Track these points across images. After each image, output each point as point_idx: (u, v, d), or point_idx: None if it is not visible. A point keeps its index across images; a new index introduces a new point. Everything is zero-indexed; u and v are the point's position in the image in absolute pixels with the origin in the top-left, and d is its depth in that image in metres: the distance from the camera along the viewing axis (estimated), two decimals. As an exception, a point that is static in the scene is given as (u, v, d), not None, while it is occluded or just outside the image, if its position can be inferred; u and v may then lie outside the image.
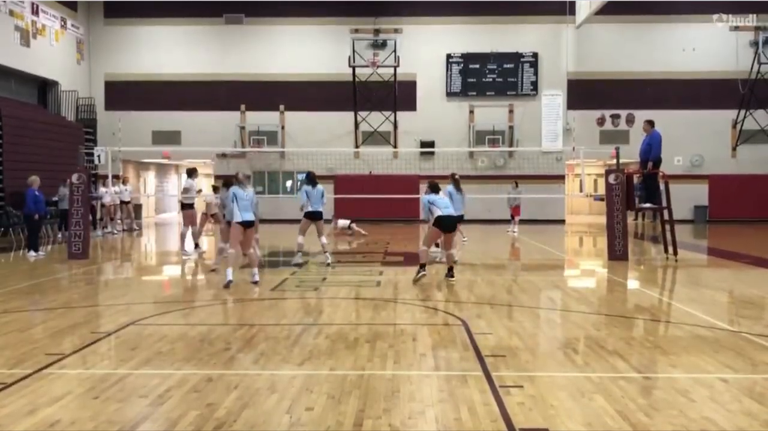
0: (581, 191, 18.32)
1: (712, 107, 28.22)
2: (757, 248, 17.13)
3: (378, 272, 12.43)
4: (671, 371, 5.82)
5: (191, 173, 15.66)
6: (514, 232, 21.57)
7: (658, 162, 13.98)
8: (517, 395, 5.08)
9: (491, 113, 28.57)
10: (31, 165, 19.27)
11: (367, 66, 27.76)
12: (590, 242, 20.61)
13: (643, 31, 28.62)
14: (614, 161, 15.26)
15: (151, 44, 28.87)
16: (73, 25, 27.26)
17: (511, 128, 28.50)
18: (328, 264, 12.80)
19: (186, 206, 15.39)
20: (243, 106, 28.60)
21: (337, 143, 28.22)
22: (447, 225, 10.95)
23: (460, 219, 12.66)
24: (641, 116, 26.87)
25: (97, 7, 28.83)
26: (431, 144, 28.13)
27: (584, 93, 28.38)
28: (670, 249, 14.05)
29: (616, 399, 4.97)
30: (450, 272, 11.12)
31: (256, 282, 10.49)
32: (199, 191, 15.89)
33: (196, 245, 15.57)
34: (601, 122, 28.72)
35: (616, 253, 13.81)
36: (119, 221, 22.27)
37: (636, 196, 14.81)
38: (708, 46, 28.31)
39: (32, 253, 14.59)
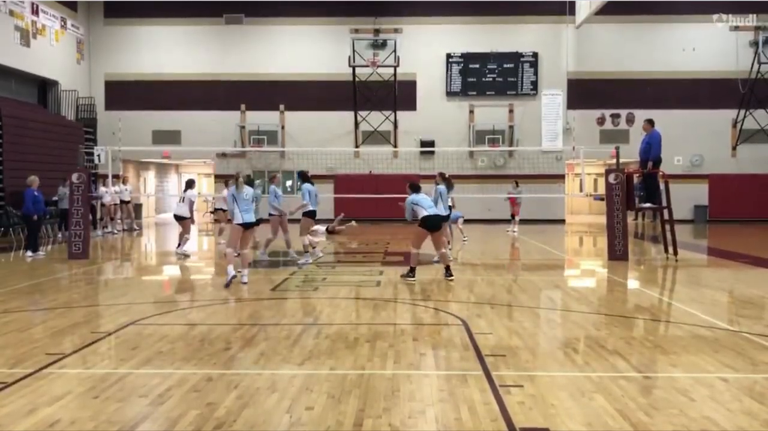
0: (581, 190, 18.28)
1: (712, 107, 28.23)
2: (757, 248, 17.13)
3: (378, 272, 12.43)
4: (671, 370, 5.82)
5: (191, 184, 15.49)
6: (514, 232, 21.57)
7: (658, 162, 13.98)
8: (517, 394, 5.08)
9: (491, 113, 28.58)
10: (31, 165, 19.28)
11: (367, 66, 27.76)
12: (590, 242, 20.61)
13: (643, 30, 28.62)
14: (614, 161, 15.25)
15: (151, 44, 28.87)
16: (73, 25, 27.26)
17: (511, 127, 28.51)
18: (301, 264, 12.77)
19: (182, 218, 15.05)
20: (243, 106, 28.60)
21: (337, 142, 28.22)
22: (433, 225, 10.92)
23: (446, 218, 12.65)
24: (641, 115, 26.91)
25: (97, 7, 28.84)
26: (431, 144, 28.13)
27: (584, 93, 28.39)
28: (671, 249, 14.04)
29: (617, 399, 4.97)
30: (448, 272, 11.12)
31: (244, 283, 10.48)
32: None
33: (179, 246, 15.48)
34: (601, 121, 28.72)
35: (616, 253, 13.81)
36: (119, 221, 22.26)
37: (636, 196, 14.80)
38: (708, 46, 28.31)
39: (30, 253, 14.54)
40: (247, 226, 10.55)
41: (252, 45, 28.78)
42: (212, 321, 7.97)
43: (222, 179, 28.27)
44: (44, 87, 26.02)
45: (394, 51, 27.67)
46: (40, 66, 24.72)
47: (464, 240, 17.75)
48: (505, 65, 28.67)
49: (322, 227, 20.53)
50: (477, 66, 28.64)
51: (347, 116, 28.38)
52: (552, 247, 17.64)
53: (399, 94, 28.07)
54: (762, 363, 6.03)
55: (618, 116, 28.72)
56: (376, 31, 28.45)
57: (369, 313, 8.38)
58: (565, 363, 6.03)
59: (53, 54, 25.74)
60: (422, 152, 27.99)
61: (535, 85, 28.65)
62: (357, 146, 28.33)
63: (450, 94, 28.83)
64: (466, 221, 19.11)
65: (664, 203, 14.20)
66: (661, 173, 14.06)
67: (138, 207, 26.70)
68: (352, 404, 4.89)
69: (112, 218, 21.61)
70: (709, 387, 5.28)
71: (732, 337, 7.04)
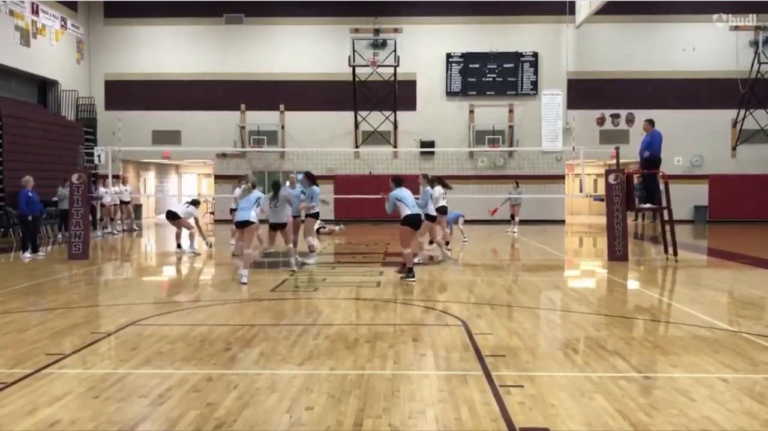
0: (581, 191, 18.28)
1: (711, 107, 28.21)
2: (756, 249, 17.12)
3: (378, 272, 12.42)
4: (671, 371, 5.82)
5: (196, 203, 15.94)
6: (513, 232, 21.55)
7: (657, 162, 13.98)
8: (517, 394, 5.08)
9: (491, 113, 28.57)
10: (30, 165, 19.27)
11: (367, 66, 27.75)
12: (590, 243, 20.61)
13: (643, 30, 28.62)
14: (614, 161, 15.24)
15: (151, 44, 28.87)
16: (73, 25, 27.25)
17: (511, 127, 28.51)
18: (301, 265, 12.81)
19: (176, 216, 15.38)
20: (243, 106, 28.59)
21: (337, 142, 28.21)
22: (414, 223, 10.95)
23: (431, 218, 12.75)
24: (641, 115, 26.90)
25: (97, 7, 28.82)
26: (431, 144, 28.13)
27: (584, 93, 28.38)
28: (670, 250, 14.04)
29: (616, 399, 4.97)
30: (410, 272, 10.93)
31: (244, 283, 10.50)
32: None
33: (179, 246, 15.55)
34: (601, 121, 28.72)
35: (616, 253, 13.81)
36: (119, 222, 22.26)
37: (636, 196, 14.79)
38: (708, 46, 28.31)
39: (27, 254, 14.48)
40: (239, 225, 10.85)
41: (252, 45, 28.77)
42: (212, 322, 7.97)
43: (222, 179, 28.39)
44: (44, 87, 26.01)
45: (394, 51, 27.66)
46: (40, 66, 24.72)
47: (464, 241, 17.75)
48: (505, 65, 28.66)
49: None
50: (477, 66, 28.63)
51: (347, 116, 28.37)
52: (552, 248, 17.64)
53: (399, 94, 28.06)
54: (762, 363, 6.03)
55: (618, 116, 28.71)
56: (376, 31, 28.44)
57: (369, 314, 8.38)
58: (565, 363, 6.03)
59: (53, 54, 25.74)
60: (422, 153, 27.98)
61: (535, 85, 28.65)
62: (357, 147, 28.33)
63: (450, 94, 28.82)
64: (466, 222, 19.09)
65: (664, 204, 14.20)
66: (661, 174, 14.06)
67: (138, 208, 26.68)
68: (352, 404, 4.89)
69: (112, 218, 21.61)
70: (709, 387, 5.27)
71: (732, 337, 7.04)
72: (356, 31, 28.48)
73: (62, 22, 26.38)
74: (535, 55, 28.63)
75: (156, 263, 15.40)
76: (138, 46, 28.86)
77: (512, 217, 22.20)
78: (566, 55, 28.46)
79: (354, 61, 27.58)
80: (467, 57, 28.62)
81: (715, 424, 4.47)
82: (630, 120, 28.49)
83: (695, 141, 28.15)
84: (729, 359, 6.10)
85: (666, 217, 14.33)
